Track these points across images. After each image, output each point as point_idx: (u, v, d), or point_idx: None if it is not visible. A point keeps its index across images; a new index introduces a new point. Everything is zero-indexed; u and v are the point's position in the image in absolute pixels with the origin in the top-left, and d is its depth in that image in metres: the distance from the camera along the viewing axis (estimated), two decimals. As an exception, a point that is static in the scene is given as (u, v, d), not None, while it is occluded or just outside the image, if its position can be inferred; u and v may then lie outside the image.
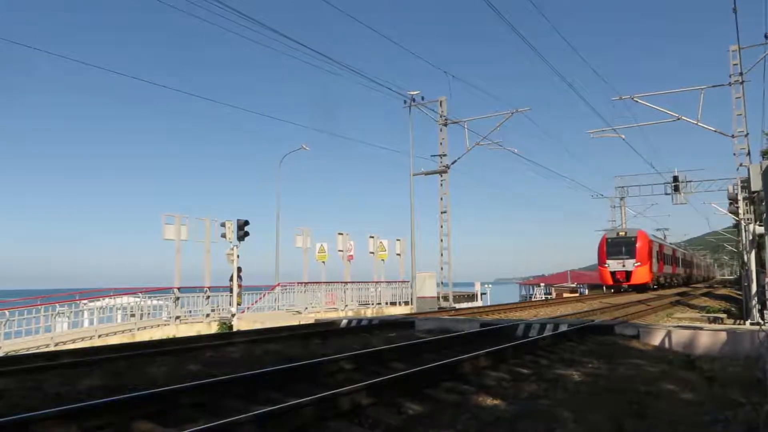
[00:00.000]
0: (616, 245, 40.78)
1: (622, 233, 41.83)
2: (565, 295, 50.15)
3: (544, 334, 11.40)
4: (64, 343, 17.22)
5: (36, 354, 11.04)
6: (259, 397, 6.31)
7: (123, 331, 18.79)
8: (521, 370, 7.91)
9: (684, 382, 7.47)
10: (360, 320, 15.21)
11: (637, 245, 40.02)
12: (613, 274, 40.45)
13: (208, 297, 21.97)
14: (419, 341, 10.46)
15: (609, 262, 40.72)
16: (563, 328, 12.06)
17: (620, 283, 41.04)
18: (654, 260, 41.91)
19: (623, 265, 40.03)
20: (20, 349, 16.15)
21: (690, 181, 39.62)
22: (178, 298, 20.65)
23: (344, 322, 14.95)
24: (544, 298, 51.54)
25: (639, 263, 39.64)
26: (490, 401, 6.15)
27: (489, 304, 37.76)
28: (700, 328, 11.47)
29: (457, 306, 27.21)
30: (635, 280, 39.81)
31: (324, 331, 12.97)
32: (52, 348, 16.22)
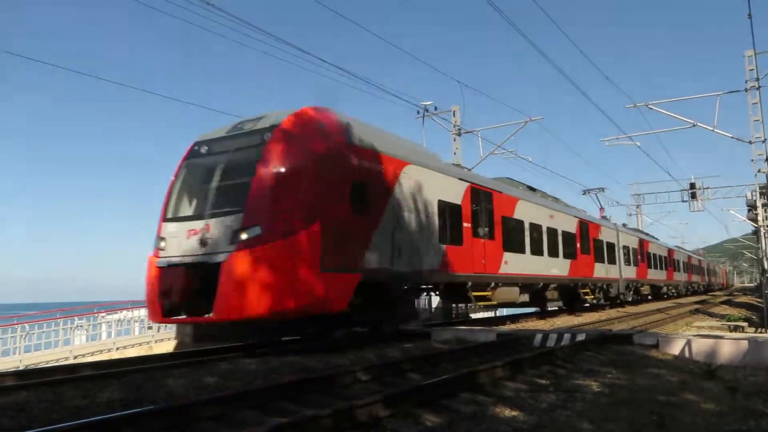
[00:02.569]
0: (206, 171, 11.30)
1: (250, 124, 11.50)
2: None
3: (562, 344, 11.30)
4: (83, 355, 17.37)
5: (55, 367, 11.14)
6: (276, 408, 6.32)
7: (140, 344, 18.91)
8: (539, 381, 7.84)
9: (705, 392, 7.36)
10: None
11: (261, 167, 10.28)
12: (160, 282, 10.34)
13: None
14: (435, 352, 10.41)
15: (167, 241, 10.70)
16: (581, 337, 11.94)
17: (169, 318, 10.59)
18: (393, 223, 12.47)
19: (202, 246, 10.14)
20: (40, 362, 16.31)
21: (707, 188, 39.17)
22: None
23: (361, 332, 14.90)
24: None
25: (267, 229, 9.75)
26: (508, 412, 6.10)
27: (505, 313, 37.30)
28: (721, 337, 11.30)
29: (473, 316, 27.09)
30: (227, 300, 9.47)
31: (339, 341, 12.94)
32: (71, 361, 16.36)
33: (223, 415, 5.93)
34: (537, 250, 20.06)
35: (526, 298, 19.07)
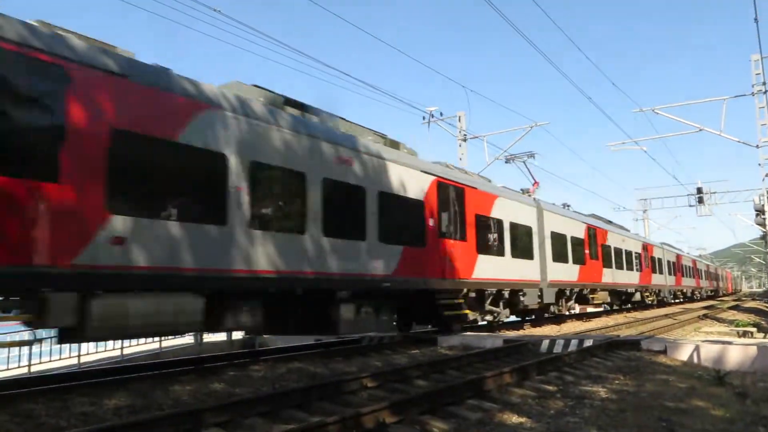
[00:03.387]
0: None
1: None
2: (589, 309, 47.49)
3: (569, 350, 11.26)
4: (90, 362, 17.40)
5: (62, 373, 11.17)
6: (283, 415, 6.32)
7: (147, 350, 18.94)
8: (546, 387, 7.81)
9: (714, 398, 7.32)
10: (381, 337, 15.16)
11: None
12: None
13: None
14: (442, 358, 10.39)
15: None
16: (588, 343, 11.89)
17: None
18: None
19: None
20: (46, 369, 16.36)
21: (714, 193, 39.07)
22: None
23: (366, 339, 14.90)
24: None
25: None
26: (515, 419, 6.08)
27: (511, 319, 36.31)
28: (730, 343, 11.24)
29: (480, 321, 26.97)
30: None
31: (347, 348, 12.94)
32: (78, 367, 16.40)
33: (230, 421, 5.93)
34: (287, 226, 10.27)
35: (255, 319, 9.64)
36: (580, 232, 24.00)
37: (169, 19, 14.87)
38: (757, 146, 24.74)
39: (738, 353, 10.39)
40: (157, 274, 7.98)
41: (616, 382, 8.41)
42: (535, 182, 24.51)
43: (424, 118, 27.09)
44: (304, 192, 10.57)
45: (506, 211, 17.96)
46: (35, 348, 17.28)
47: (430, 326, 16.26)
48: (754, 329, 20.92)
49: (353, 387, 7.55)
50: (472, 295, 15.86)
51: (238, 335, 21.01)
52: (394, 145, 14.17)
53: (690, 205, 41.03)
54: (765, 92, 24.16)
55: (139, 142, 7.96)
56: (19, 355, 17.02)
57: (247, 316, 9.52)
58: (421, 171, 14.11)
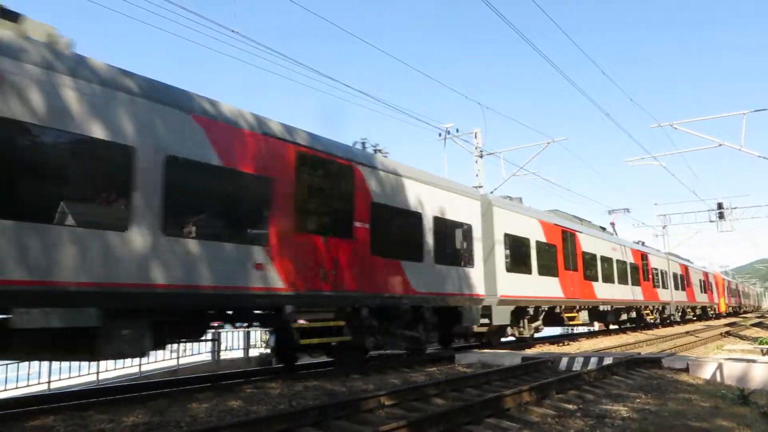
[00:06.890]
0: None
1: None
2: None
3: (589, 368, 11.11)
4: (108, 379, 17.47)
5: (81, 390, 11.23)
6: (300, 433, 6.29)
7: (165, 367, 18.99)
8: (566, 406, 7.71)
9: (739, 418, 7.16)
10: (399, 355, 15.07)
11: None
12: None
13: (248, 331, 22.07)
14: (460, 376, 10.30)
15: None
16: (608, 361, 11.73)
17: None
18: None
19: None
20: (66, 386, 16.45)
21: (735, 208, 38.47)
22: (219, 334, 20.78)
23: (383, 356, 14.83)
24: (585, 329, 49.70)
25: None
26: (534, 438, 5.99)
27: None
28: (754, 361, 11.02)
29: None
30: None
31: (364, 365, 12.88)
32: (96, 384, 16.48)
33: (247, 439, 5.91)
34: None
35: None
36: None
37: (184, 38, 15.08)
38: (778, 161, 24.39)
39: (763, 371, 10.19)
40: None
41: (638, 400, 8.27)
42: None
43: (440, 134, 27.16)
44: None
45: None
46: (54, 364, 17.40)
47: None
48: (779, 347, 20.44)
49: (371, 405, 7.50)
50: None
51: (254, 353, 21.00)
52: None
53: (710, 221, 40.44)
54: (785, 106, 23.87)
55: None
56: (39, 372, 17.15)
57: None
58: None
